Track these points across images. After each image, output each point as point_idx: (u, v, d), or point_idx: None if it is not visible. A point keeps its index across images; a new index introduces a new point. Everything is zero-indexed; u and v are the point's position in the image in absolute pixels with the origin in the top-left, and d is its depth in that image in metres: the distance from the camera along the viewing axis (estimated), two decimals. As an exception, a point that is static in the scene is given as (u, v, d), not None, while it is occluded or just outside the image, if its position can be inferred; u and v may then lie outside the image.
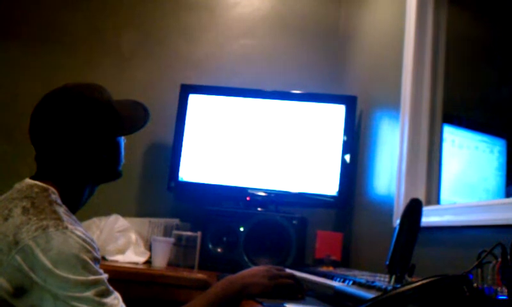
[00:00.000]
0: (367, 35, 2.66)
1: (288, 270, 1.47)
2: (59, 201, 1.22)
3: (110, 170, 1.36)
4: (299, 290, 1.39)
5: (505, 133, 2.23)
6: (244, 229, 2.28)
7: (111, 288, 1.13)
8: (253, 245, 2.27)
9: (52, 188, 1.22)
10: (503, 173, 2.21)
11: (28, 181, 1.24)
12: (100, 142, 1.31)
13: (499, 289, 0.88)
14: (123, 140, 1.38)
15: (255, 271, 1.40)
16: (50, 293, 1.05)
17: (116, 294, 1.14)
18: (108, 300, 1.10)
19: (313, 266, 2.15)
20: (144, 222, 2.47)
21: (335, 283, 1.29)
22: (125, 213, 2.44)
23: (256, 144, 2.50)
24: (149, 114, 1.40)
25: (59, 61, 2.84)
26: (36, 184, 1.22)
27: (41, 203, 1.17)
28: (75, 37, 2.89)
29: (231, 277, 1.39)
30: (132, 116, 1.38)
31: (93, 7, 2.93)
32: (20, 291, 1.07)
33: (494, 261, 0.91)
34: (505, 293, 0.86)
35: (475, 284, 0.87)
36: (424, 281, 0.80)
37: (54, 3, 2.91)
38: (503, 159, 2.22)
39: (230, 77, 2.84)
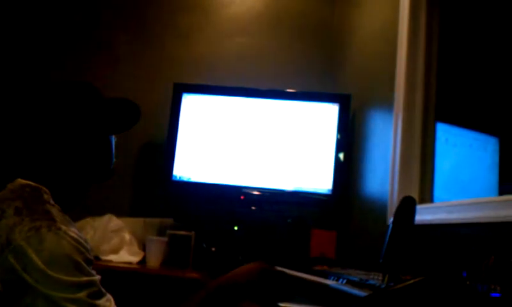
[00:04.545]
0: (360, 34, 2.66)
1: (278, 268, 1.47)
2: (51, 201, 1.21)
3: (101, 169, 1.35)
4: (289, 287, 1.39)
5: (498, 131, 2.23)
6: (238, 228, 2.28)
7: (103, 289, 1.12)
8: (247, 244, 2.27)
9: (44, 188, 1.21)
10: (496, 170, 2.21)
11: (20, 181, 1.23)
12: (90, 140, 1.30)
13: (492, 286, 0.88)
14: (114, 138, 1.37)
15: (246, 269, 1.40)
16: (42, 295, 1.05)
17: (109, 296, 1.13)
18: (100, 302, 1.09)
19: (307, 264, 2.15)
20: (138, 221, 2.46)
21: (329, 282, 1.29)
22: (119, 213, 2.43)
23: (250, 143, 2.50)
24: (140, 113, 1.39)
25: (53, 60, 2.83)
26: (28, 184, 1.21)
27: (34, 203, 1.16)
28: (69, 36, 2.89)
29: (223, 278, 1.39)
30: (123, 115, 1.37)
31: (87, 7, 2.93)
32: (12, 293, 1.06)
33: (487, 259, 0.91)
34: (498, 291, 0.86)
35: (467, 282, 0.87)
36: (417, 279, 0.80)
37: (49, 2, 2.90)
38: (496, 157, 2.23)
39: (223, 76, 2.84)
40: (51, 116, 1.27)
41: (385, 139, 2.15)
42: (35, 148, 1.28)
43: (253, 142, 2.50)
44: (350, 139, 2.53)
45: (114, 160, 1.37)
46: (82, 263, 1.10)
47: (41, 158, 1.27)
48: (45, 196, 1.20)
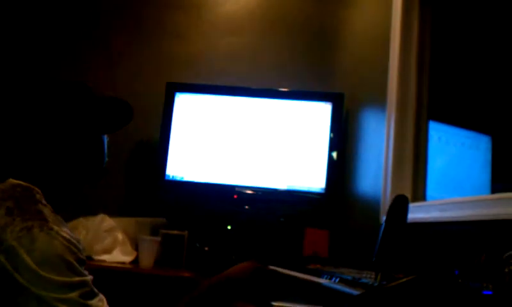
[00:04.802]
0: (353, 33, 2.66)
1: (271, 267, 1.47)
2: (43, 201, 1.20)
3: (93, 169, 1.34)
4: (282, 286, 1.39)
5: (490, 129, 2.24)
6: (232, 227, 2.28)
7: (95, 289, 1.12)
8: (241, 243, 2.27)
9: (36, 188, 1.21)
10: (488, 169, 2.22)
11: (11, 181, 1.22)
12: (82, 140, 1.30)
13: (484, 284, 0.88)
14: (106, 138, 1.37)
15: (238, 269, 1.40)
16: (34, 296, 1.04)
17: (101, 296, 1.13)
18: (93, 302, 1.09)
19: (300, 263, 2.15)
20: (131, 221, 2.45)
21: (322, 280, 1.29)
22: (111, 213, 2.42)
23: (243, 142, 2.50)
24: (132, 112, 1.39)
25: (48, 59, 2.82)
26: (19, 184, 1.21)
27: (25, 203, 1.16)
28: (64, 36, 2.88)
29: (216, 277, 1.39)
30: (115, 114, 1.37)
31: (82, 6, 2.92)
32: (4, 294, 1.05)
33: (479, 257, 0.92)
34: (490, 289, 0.87)
35: (459, 280, 0.87)
36: (410, 278, 0.80)
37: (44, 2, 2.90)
38: (488, 155, 2.23)
39: (217, 75, 2.83)
40: (43, 115, 1.26)
41: (378, 137, 2.15)
42: (27, 147, 1.27)
43: (246, 141, 2.50)
44: (343, 138, 2.53)
45: (107, 159, 1.37)
46: (74, 263, 1.09)
47: (33, 157, 1.27)
48: (37, 196, 1.19)
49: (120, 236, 2.33)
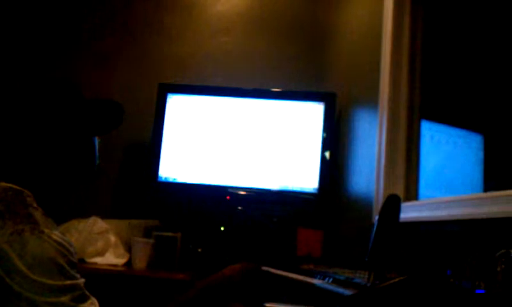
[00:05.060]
0: (345, 32, 2.66)
1: (264, 268, 1.47)
2: (34, 204, 1.19)
3: (84, 171, 1.34)
4: (275, 287, 1.39)
5: (482, 128, 2.25)
6: (225, 228, 2.27)
7: (87, 292, 1.11)
8: (234, 244, 2.26)
9: (27, 191, 1.20)
10: (481, 167, 2.23)
11: (2, 184, 1.22)
12: (73, 142, 1.29)
13: (477, 283, 0.88)
14: (97, 140, 1.37)
15: (232, 270, 1.40)
16: (25, 299, 1.03)
17: (93, 299, 1.12)
18: (85, 305, 1.08)
19: (294, 264, 2.15)
20: (123, 223, 2.44)
21: (315, 281, 1.29)
22: (103, 215, 2.41)
23: (236, 142, 2.49)
24: (123, 114, 1.38)
25: (40, 60, 2.81)
26: (10, 187, 1.20)
27: (16, 206, 1.15)
28: (54, 36, 2.87)
29: (209, 278, 1.39)
30: (107, 116, 1.36)
31: (72, 7, 2.91)
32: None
33: (472, 256, 0.92)
34: (483, 287, 0.87)
35: (452, 279, 0.87)
36: (402, 278, 0.80)
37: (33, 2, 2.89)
38: (480, 154, 2.24)
39: (209, 76, 2.83)
40: (33, 117, 1.26)
41: (370, 137, 2.15)
42: (17, 149, 1.26)
43: (239, 142, 2.49)
44: (335, 138, 2.53)
45: (98, 161, 1.36)
46: (66, 266, 1.08)
47: (24, 160, 1.26)
48: (28, 199, 1.18)
49: (112, 238, 2.32)
